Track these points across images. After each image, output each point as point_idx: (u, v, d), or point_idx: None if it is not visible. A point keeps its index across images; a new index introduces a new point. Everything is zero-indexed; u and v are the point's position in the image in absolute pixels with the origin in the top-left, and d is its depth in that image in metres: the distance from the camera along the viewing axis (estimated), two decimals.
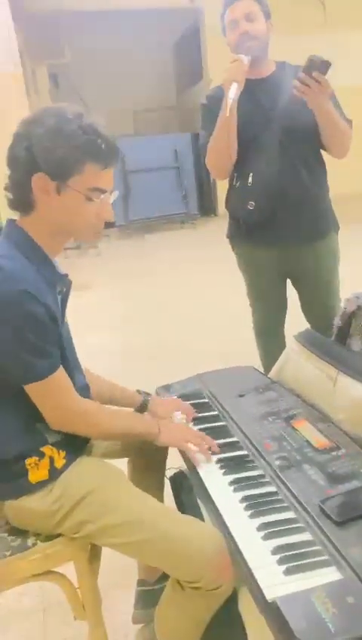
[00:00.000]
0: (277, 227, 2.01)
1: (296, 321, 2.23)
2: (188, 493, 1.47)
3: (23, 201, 1.14)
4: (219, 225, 2.24)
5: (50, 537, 1.22)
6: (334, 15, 9.10)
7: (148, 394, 1.49)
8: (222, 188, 2.17)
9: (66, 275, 1.24)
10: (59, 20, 8.66)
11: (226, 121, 1.86)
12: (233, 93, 1.79)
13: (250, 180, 1.94)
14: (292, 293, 2.24)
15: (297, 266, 2.12)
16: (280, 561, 0.95)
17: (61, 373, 1.16)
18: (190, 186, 8.72)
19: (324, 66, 1.71)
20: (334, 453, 1.20)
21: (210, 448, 1.29)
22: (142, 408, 1.45)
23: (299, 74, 1.74)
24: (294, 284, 2.21)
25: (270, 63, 2.00)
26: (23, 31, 7.35)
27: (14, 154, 1.10)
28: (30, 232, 1.16)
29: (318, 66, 1.71)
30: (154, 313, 4.47)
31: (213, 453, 1.29)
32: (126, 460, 1.51)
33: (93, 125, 1.10)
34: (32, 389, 1.13)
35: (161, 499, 1.50)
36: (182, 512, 1.40)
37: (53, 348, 1.14)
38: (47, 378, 1.12)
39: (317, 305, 2.17)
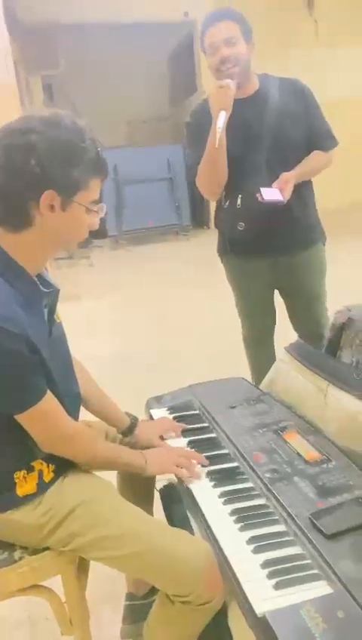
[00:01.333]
0: (266, 240, 2.02)
1: (285, 331, 2.24)
2: (178, 506, 1.46)
3: (17, 216, 1.07)
4: (212, 236, 2.26)
5: (37, 551, 1.20)
6: (325, 30, 9.23)
7: (136, 418, 1.46)
8: None
9: (54, 287, 1.20)
10: (54, 31, 8.71)
11: (215, 151, 1.84)
12: (221, 122, 1.77)
13: (239, 202, 1.95)
14: (280, 304, 2.26)
15: (285, 276, 2.14)
16: (270, 575, 0.94)
17: (47, 400, 1.11)
18: (183, 197, 8.76)
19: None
20: (324, 465, 1.19)
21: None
22: (128, 431, 1.43)
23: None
24: (282, 294, 2.23)
25: (253, 79, 1.99)
26: (17, 41, 7.39)
27: (15, 166, 1.02)
28: (11, 249, 1.09)
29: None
30: (145, 324, 4.47)
31: (202, 466, 1.28)
32: (115, 472, 1.49)
33: (93, 136, 1.08)
34: (19, 418, 1.11)
35: (150, 511, 1.49)
36: (172, 525, 1.38)
37: (35, 378, 1.09)
38: (32, 408, 1.09)
39: (305, 315, 2.19)
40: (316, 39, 9.22)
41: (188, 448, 1.37)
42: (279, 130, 1.93)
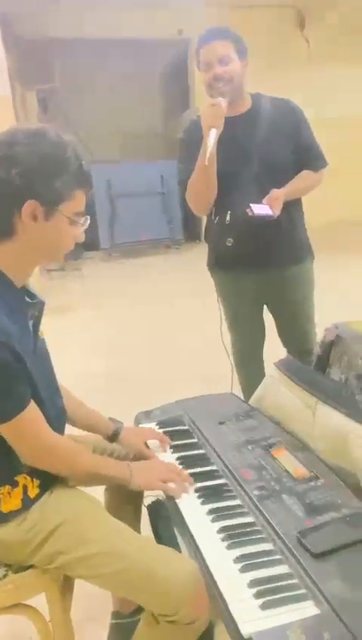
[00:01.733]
0: (254, 256, 2.04)
1: (275, 347, 2.25)
2: (166, 522, 1.45)
3: (0, 225, 1.09)
4: (203, 250, 2.27)
5: (21, 568, 1.18)
6: (317, 51, 9.39)
7: (120, 423, 1.46)
8: None
9: (38, 299, 1.20)
10: (50, 46, 8.79)
11: (205, 168, 1.85)
12: (212, 140, 1.78)
13: (228, 217, 1.96)
14: (270, 320, 2.27)
15: (273, 292, 2.16)
16: (257, 595, 0.93)
17: (30, 410, 1.11)
18: (175, 211, 8.82)
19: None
20: (312, 483, 1.19)
21: None
22: (113, 437, 1.42)
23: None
24: (270, 310, 2.24)
25: (246, 98, 2.02)
26: (13, 55, 7.44)
27: None
28: None
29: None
30: (136, 337, 4.46)
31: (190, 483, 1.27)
32: (103, 488, 1.48)
33: (77, 149, 1.10)
34: (2, 429, 1.10)
35: (137, 528, 1.47)
36: (159, 542, 1.37)
37: (19, 387, 1.09)
38: (15, 418, 1.08)
39: (293, 331, 2.20)
40: (307, 59, 9.37)
41: (177, 464, 1.36)
42: (269, 149, 1.95)
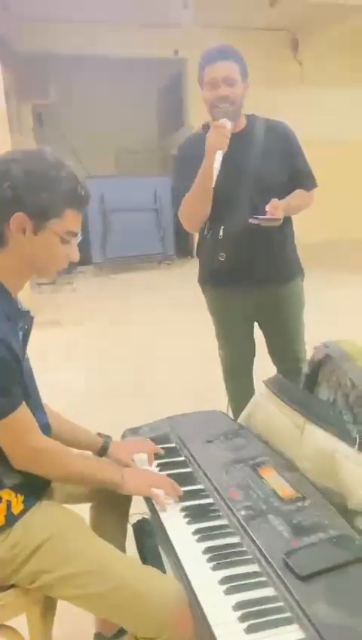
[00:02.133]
0: (246, 272, 2.06)
1: (265, 364, 2.25)
2: (151, 541, 1.43)
3: None
4: (195, 267, 2.28)
5: (2, 588, 1.16)
6: (310, 72, 9.57)
7: (108, 437, 1.46)
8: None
9: (28, 312, 1.23)
10: (47, 61, 8.89)
11: (207, 187, 1.88)
12: (218, 162, 1.82)
13: (221, 232, 1.98)
14: (260, 337, 2.27)
15: (264, 309, 2.17)
16: (242, 618, 0.91)
17: (23, 410, 1.13)
18: (168, 227, 8.88)
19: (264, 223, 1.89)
20: (300, 503, 1.18)
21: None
22: (102, 451, 1.42)
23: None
24: (261, 327, 2.25)
25: (242, 118, 2.06)
26: (10, 70, 7.51)
27: None
28: None
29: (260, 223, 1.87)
30: (126, 352, 4.45)
31: (177, 500, 1.26)
32: (88, 505, 1.46)
33: (74, 172, 1.14)
34: None
35: (122, 547, 1.45)
36: (144, 561, 1.35)
37: (15, 386, 1.12)
38: (9, 416, 1.10)
39: (284, 349, 2.21)
40: (300, 80, 9.54)
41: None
42: (262, 168, 1.98)
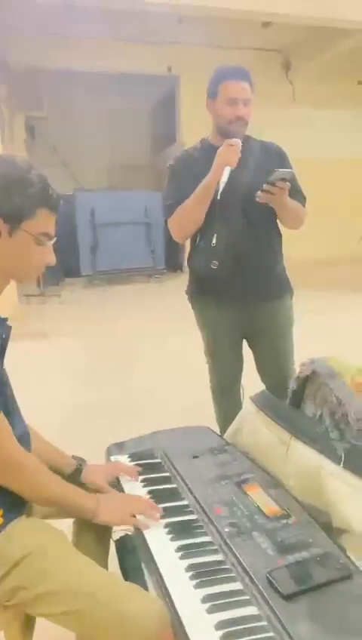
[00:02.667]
0: (236, 288, 2.08)
1: (253, 380, 2.25)
2: (134, 558, 1.41)
3: None
4: (184, 281, 2.29)
5: None
6: (301, 93, 9.73)
7: (83, 460, 1.43)
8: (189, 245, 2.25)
9: (6, 320, 1.20)
10: (41, 75, 8.95)
11: (206, 200, 1.96)
12: (225, 176, 1.91)
13: (214, 240, 2.00)
14: (248, 353, 2.27)
15: (253, 325, 2.18)
16: (224, 638, 0.90)
17: (0, 419, 1.11)
18: (158, 241, 8.91)
19: (289, 174, 1.91)
20: (284, 521, 1.17)
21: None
22: (75, 474, 1.38)
23: (264, 185, 1.91)
24: (250, 343, 2.26)
25: None
26: (4, 81, 7.55)
27: None
28: None
29: (283, 176, 1.89)
30: (114, 365, 4.42)
31: (161, 517, 1.24)
32: (71, 521, 1.43)
33: (43, 175, 1.16)
34: None
35: (105, 563, 1.42)
36: (126, 577, 1.33)
37: None
38: None
39: (272, 366, 2.22)
40: (292, 100, 9.70)
41: (148, 498, 1.33)
42: (256, 180, 2.01)
